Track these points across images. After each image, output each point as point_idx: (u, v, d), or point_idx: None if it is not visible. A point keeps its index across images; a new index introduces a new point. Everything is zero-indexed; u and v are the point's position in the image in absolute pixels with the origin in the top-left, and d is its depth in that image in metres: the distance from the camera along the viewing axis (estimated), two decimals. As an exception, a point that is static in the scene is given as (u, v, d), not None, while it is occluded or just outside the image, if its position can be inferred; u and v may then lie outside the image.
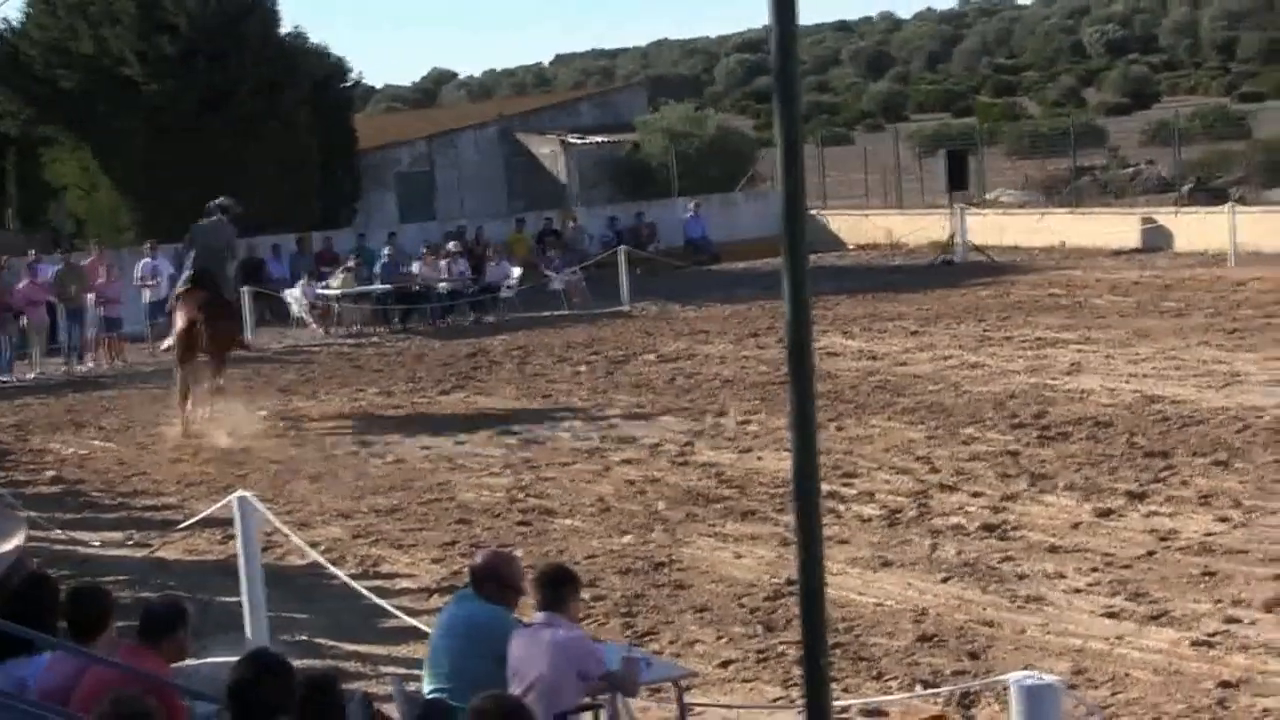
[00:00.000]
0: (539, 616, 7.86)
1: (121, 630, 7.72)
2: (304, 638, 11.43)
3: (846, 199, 45.10)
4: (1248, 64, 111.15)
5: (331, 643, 11.34)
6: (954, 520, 13.31)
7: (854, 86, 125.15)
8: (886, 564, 12.22)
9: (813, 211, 41.12)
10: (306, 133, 37.28)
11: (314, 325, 30.52)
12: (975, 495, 14.09)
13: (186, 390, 20.58)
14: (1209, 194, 37.04)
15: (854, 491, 14.55)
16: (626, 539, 13.54)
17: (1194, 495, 13.52)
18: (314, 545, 13.05)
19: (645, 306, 30.56)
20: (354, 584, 11.29)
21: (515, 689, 7.54)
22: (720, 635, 10.81)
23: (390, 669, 10.26)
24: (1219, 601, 10.66)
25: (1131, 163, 46.38)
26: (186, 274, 21.07)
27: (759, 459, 16.27)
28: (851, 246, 40.63)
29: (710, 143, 44.72)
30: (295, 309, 31.25)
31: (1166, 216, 34.98)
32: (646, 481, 15.64)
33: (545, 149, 44.64)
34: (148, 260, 29.74)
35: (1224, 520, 12.68)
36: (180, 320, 20.54)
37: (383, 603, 10.87)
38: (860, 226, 41.50)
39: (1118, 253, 34.03)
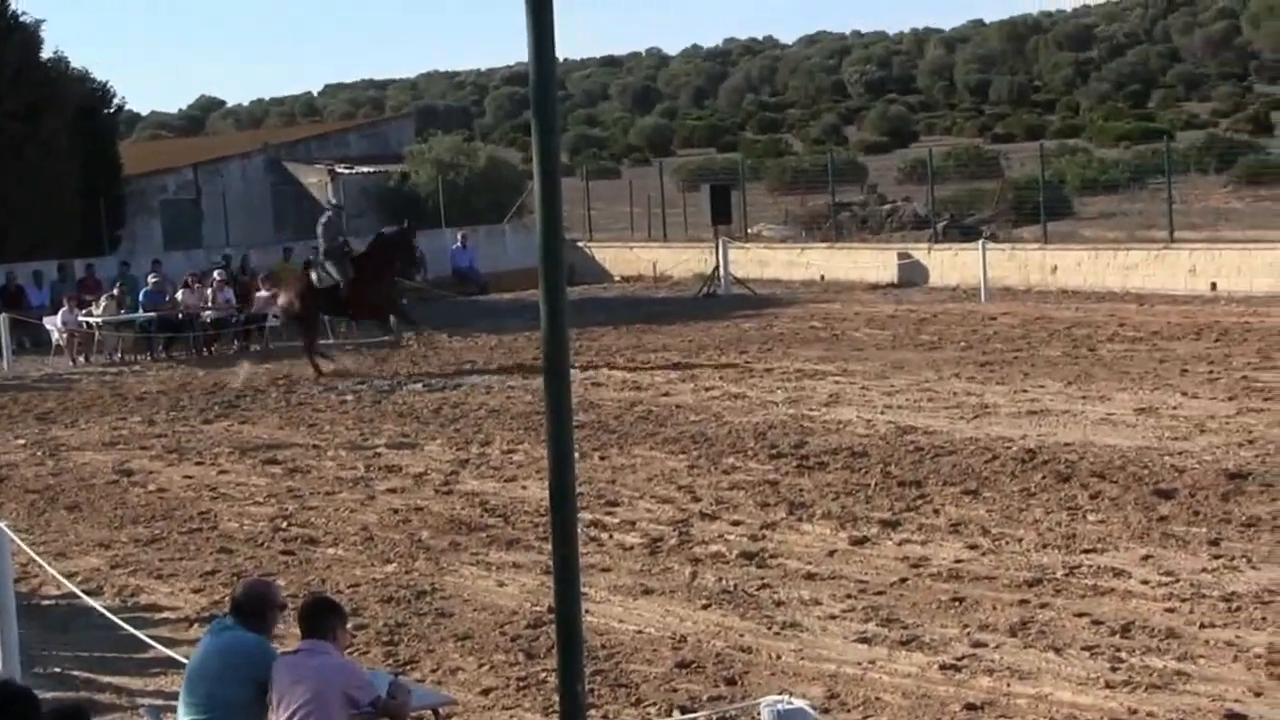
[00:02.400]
0: (303, 644, 7.76)
1: None
2: (58, 670, 11.14)
3: (612, 231, 45.40)
4: (999, 106, 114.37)
5: (87, 675, 11.06)
6: (714, 548, 13.44)
7: (621, 121, 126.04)
8: (647, 591, 12.29)
9: (579, 244, 41.36)
10: (68, 158, 36.41)
11: (73, 355, 29.78)
12: (735, 524, 14.25)
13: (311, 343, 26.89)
14: (962, 231, 38.04)
15: (616, 520, 14.63)
16: (390, 568, 13.45)
17: (945, 523, 13.83)
18: (71, 576, 12.74)
19: (412, 336, 30.36)
20: (111, 615, 11.03)
21: (279, 716, 7.44)
22: (482, 663, 10.78)
23: (147, 701, 10.05)
24: (967, 626, 10.91)
25: (889, 199, 47.36)
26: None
27: (523, 488, 16.28)
28: (617, 278, 40.90)
29: (479, 174, 44.78)
30: (55, 336, 30.51)
31: (921, 252, 35.81)
32: (411, 510, 15.55)
33: (313, 178, 44.28)
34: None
35: (973, 547, 12.98)
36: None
37: (140, 634, 10.63)
38: (625, 258, 41.81)
39: (875, 287, 34.76)
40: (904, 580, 12.16)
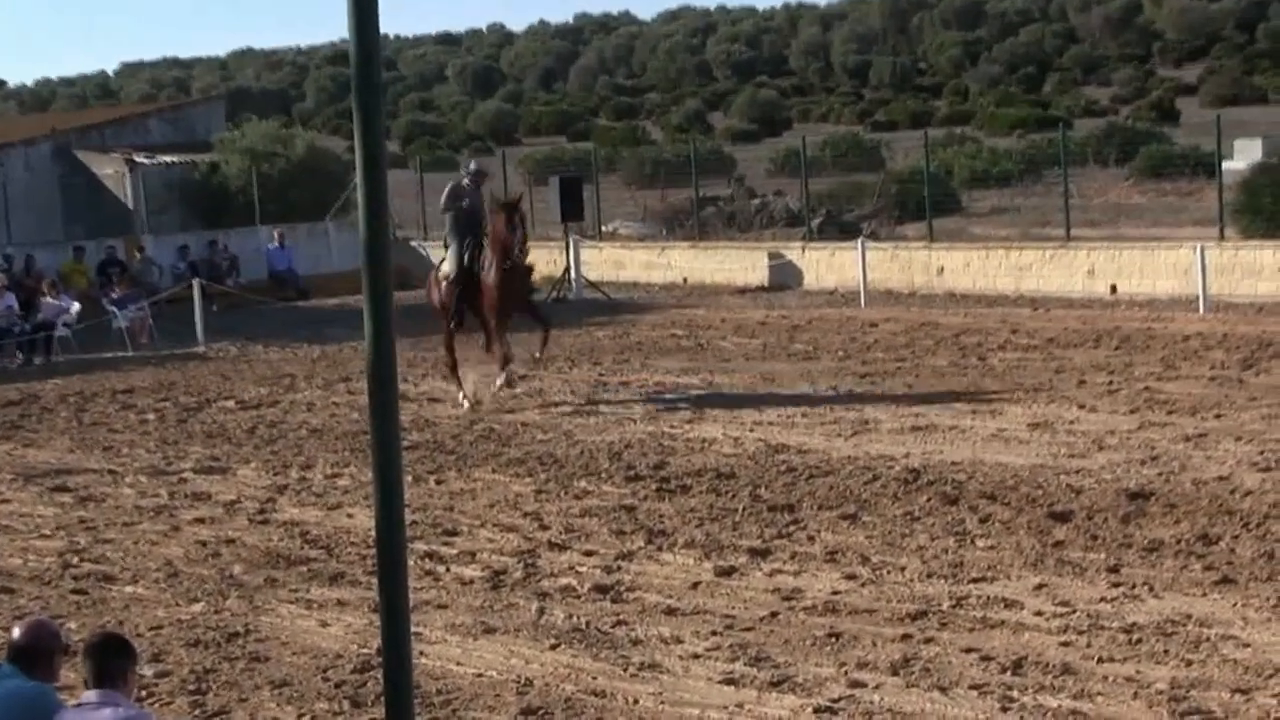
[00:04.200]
0: (91, 695, 7.66)
1: None
2: None
3: (451, 229, 45.26)
4: (880, 90, 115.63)
5: None
6: (564, 581, 13.46)
7: (460, 106, 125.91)
8: (489, 630, 12.29)
9: (412, 243, 41.20)
10: None
11: None
12: (587, 554, 14.28)
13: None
14: (839, 228, 38.38)
15: (454, 551, 14.61)
16: (197, 607, 13.33)
17: (820, 551, 13.95)
18: None
19: (223, 347, 30.14)
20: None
21: (65, 776, 7.35)
22: (302, 712, 10.72)
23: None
24: (844, 665, 11.00)
25: (759, 194, 47.66)
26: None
27: (349, 516, 16.21)
28: (456, 281, 40.74)
29: (298, 164, 44.41)
30: None
31: (795, 252, 36.06)
32: (221, 543, 15.42)
33: (108, 169, 43.70)
34: None
35: (851, 578, 13.10)
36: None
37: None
38: (466, 259, 41.67)
39: (743, 290, 34.98)
40: (775, 614, 12.25)
